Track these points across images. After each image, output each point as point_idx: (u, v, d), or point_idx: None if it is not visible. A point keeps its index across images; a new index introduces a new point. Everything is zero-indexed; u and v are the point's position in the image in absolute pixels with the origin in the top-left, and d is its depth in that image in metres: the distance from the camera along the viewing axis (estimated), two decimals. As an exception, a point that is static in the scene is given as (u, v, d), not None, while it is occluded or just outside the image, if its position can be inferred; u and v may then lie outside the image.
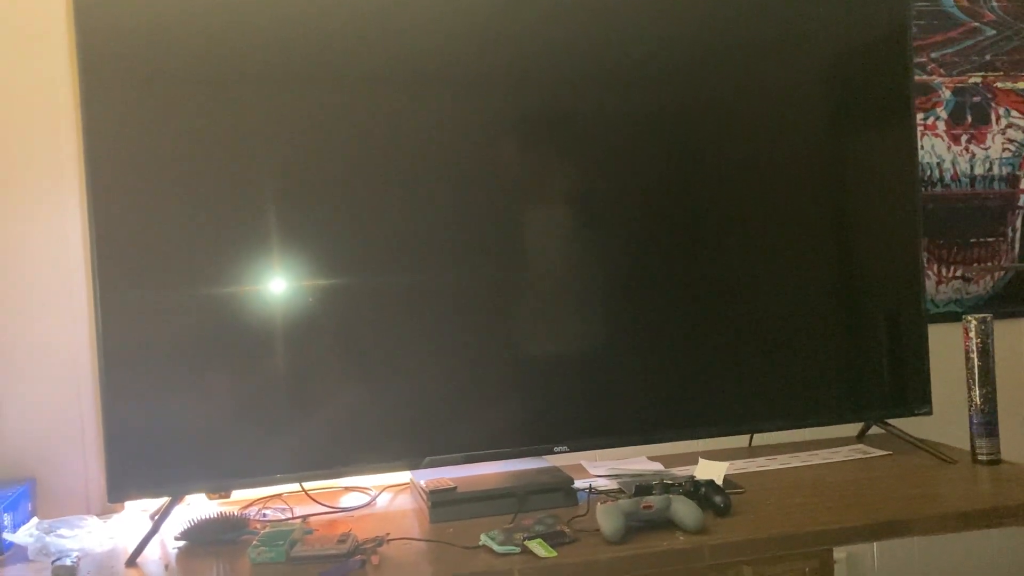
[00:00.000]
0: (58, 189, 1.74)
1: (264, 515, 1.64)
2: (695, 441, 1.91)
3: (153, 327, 1.53)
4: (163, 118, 1.54)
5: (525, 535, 1.37)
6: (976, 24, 2.21)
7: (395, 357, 1.62)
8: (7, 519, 1.53)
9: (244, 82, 1.57)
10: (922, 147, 2.16)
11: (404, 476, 1.79)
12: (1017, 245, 2.23)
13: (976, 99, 2.20)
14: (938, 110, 2.18)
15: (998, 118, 2.22)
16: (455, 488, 1.57)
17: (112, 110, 1.52)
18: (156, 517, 1.53)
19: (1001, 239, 2.22)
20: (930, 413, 1.85)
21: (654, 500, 1.42)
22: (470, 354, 1.66)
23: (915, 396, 1.85)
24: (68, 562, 1.38)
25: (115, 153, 1.52)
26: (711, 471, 1.63)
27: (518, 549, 1.34)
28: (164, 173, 1.54)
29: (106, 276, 1.51)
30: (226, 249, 1.56)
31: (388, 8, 1.64)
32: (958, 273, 2.19)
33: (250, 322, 1.56)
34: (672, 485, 1.53)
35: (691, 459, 1.78)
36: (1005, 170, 2.22)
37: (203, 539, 1.50)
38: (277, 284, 1.58)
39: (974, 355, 1.75)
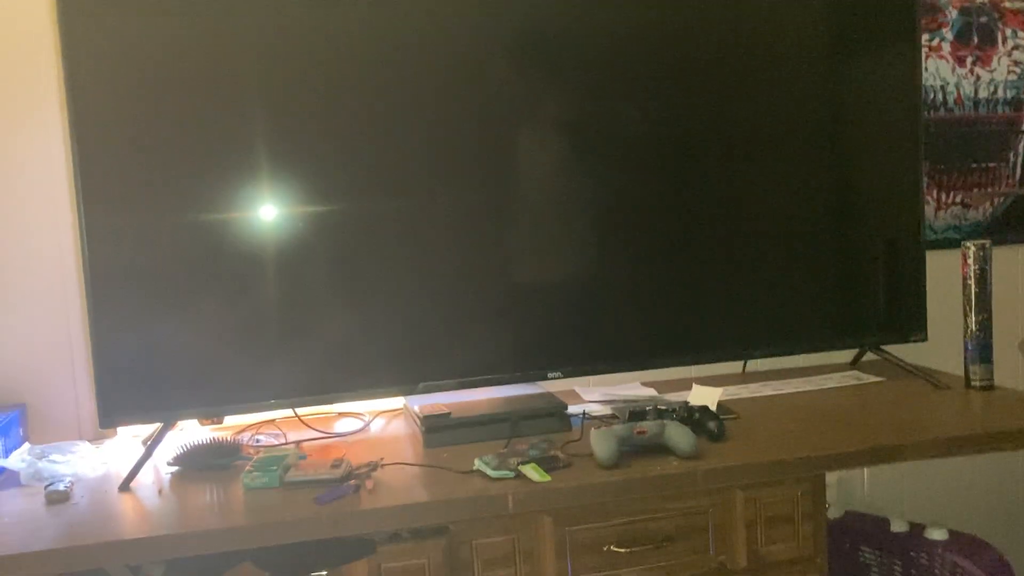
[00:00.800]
0: (40, 115, 1.68)
1: (257, 440, 1.63)
2: (689, 367, 1.91)
3: (141, 251, 1.50)
4: (147, 34, 1.48)
5: (519, 460, 1.37)
6: (986, -59, 2.13)
7: (388, 283, 1.60)
8: (-1, 444, 1.53)
9: (232, 3, 1.52)
10: (926, 69, 2.10)
11: (398, 402, 1.79)
12: (1019, 170, 2.19)
13: (983, 19, 2.14)
14: (944, 31, 2.12)
15: (1005, 39, 2.16)
16: (449, 414, 1.57)
17: (93, 25, 1.46)
18: (149, 443, 1.53)
19: (1003, 164, 2.18)
20: (925, 339, 1.85)
21: (648, 425, 1.42)
22: (464, 280, 1.64)
23: (911, 322, 1.84)
24: (61, 487, 1.38)
25: (97, 72, 1.47)
26: (705, 397, 1.63)
27: (512, 474, 1.34)
28: (149, 93, 1.49)
29: (91, 200, 1.47)
30: (214, 172, 1.52)
31: (377, -81, 1.57)
32: (958, 199, 2.16)
33: (241, 246, 1.54)
34: (666, 410, 1.53)
35: (685, 385, 1.78)
36: (1010, 93, 2.17)
37: (196, 464, 1.50)
38: (267, 209, 1.55)
39: (971, 281, 1.74)
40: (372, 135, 1.59)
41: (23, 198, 1.69)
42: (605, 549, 1.38)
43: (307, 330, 1.57)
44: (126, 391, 1.49)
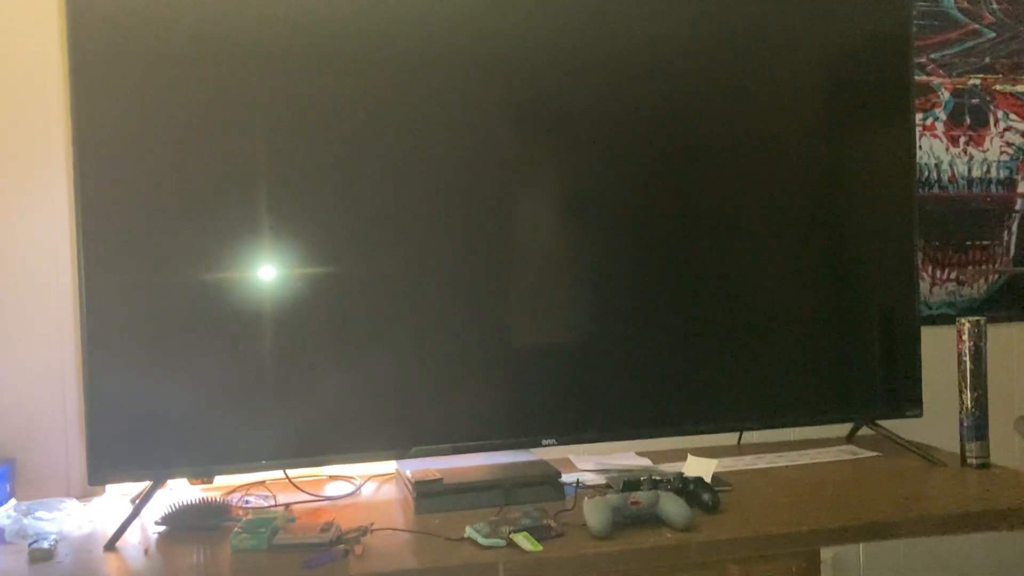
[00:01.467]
0: (46, 168, 1.71)
1: (247, 502, 1.62)
2: (684, 437, 1.90)
3: (138, 309, 1.50)
4: (153, 101, 1.51)
5: (511, 528, 1.35)
6: (976, 26, 2.19)
7: (383, 345, 1.60)
8: (-15, 500, 1.51)
9: (235, 65, 1.55)
10: (920, 148, 2.15)
11: (390, 466, 1.78)
12: (1013, 249, 2.22)
13: (975, 101, 2.19)
14: (937, 111, 2.17)
15: (996, 121, 2.21)
16: (441, 479, 1.55)
17: (101, 92, 1.49)
18: (137, 501, 1.51)
19: (997, 242, 2.21)
20: (921, 415, 1.84)
21: (642, 496, 1.41)
22: (459, 344, 1.64)
23: (906, 398, 1.84)
24: (45, 545, 1.36)
25: (103, 133, 1.49)
26: (700, 468, 1.62)
27: (503, 542, 1.32)
28: (152, 154, 1.51)
29: (91, 256, 1.48)
30: (213, 232, 1.54)
31: (385, -9, 1.61)
32: (952, 276, 2.18)
33: (236, 306, 1.54)
34: (660, 481, 1.52)
35: (680, 455, 1.77)
36: (1003, 173, 2.21)
37: (184, 525, 1.48)
38: (264, 269, 1.56)
39: (966, 358, 1.74)
40: (369, 198, 1.61)
41: (25, 254, 1.70)
42: (596, 622, 1.35)
43: (300, 391, 1.57)
44: (117, 448, 1.48)
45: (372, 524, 1.43)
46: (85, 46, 1.49)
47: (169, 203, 1.52)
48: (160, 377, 1.50)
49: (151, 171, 1.51)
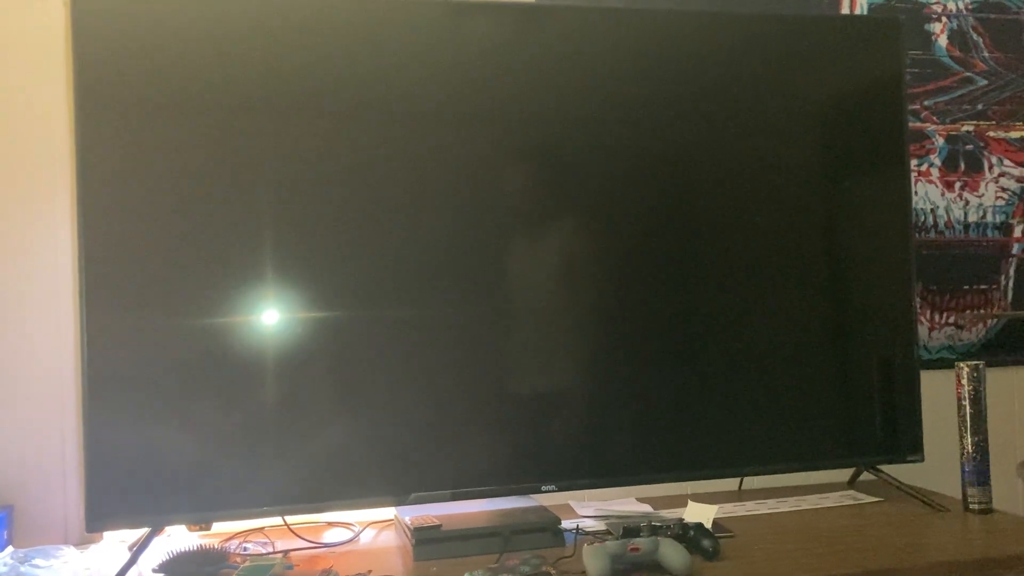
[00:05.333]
0: (48, 212, 1.73)
1: (245, 549, 1.61)
2: (684, 483, 1.89)
3: (139, 355, 1.51)
4: (157, 143, 1.54)
5: (510, 575, 1.34)
6: (968, 73, 2.23)
7: (382, 391, 1.61)
8: (-18, 547, 1.51)
9: (239, 110, 1.58)
10: (916, 193, 2.17)
11: (388, 512, 1.77)
12: (1010, 293, 2.23)
13: (969, 147, 2.22)
14: (931, 157, 2.20)
15: (991, 166, 2.23)
16: (440, 526, 1.55)
17: (106, 133, 1.52)
18: (134, 548, 1.51)
19: (994, 287, 2.22)
20: (922, 460, 1.84)
21: (642, 542, 1.40)
22: (458, 390, 1.65)
23: (907, 442, 1.84)
24: (42, 593, 1.35)
25: (107, 177, 1.51)
26: (700, 514, 1.61)
27: (502, 590, 1.31)
28: (156, 198, 1.53)
29: (93, 301, 1.49)
30: (215, 278, 1.55)
31: (388, 41, 1.65)
32: (951, 320, 2.19)
33: (237, 353, 1.55)
34: (660, 527, 1.51)
35: (680, 501, 1.76)
36: (998, 218, 2.23)
37: (182, 572, 1.46)
38: (264, 315, 1.57)
39: (966, 402, 1.74)
40: (368, 245, 1.62)
41: (26, 299, 1.72)
42: (596, 672, 1.34)
43: (299, 438, 1.57)
44: (116, 495, 1.48)
45: (370, 571, 1.42)
46: (90, 80, 1.51)
47: (171, 251, 1.53)
48: (159, 424, 1.51)
49: (154, 218, 1.53)
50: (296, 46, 1.60)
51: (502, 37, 1.70)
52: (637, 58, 1.76)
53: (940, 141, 2.20)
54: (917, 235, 2.16)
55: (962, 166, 2.21)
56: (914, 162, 2.16)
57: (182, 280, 1.54)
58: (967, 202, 2.21)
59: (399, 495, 1.60)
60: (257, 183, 1.58)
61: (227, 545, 1.59)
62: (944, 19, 2.22)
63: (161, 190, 1.54)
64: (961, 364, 1.75)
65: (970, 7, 2.23)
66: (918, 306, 2.11)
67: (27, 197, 1.72)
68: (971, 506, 1.72)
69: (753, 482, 1.95)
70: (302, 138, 1.60)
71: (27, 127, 1.73)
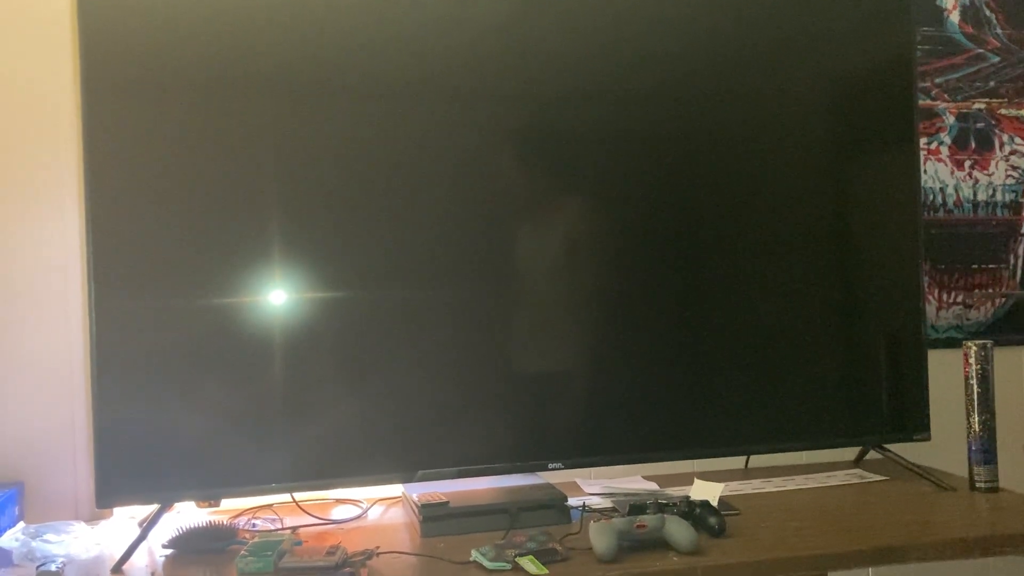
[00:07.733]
0: (57, 193, 1.73)
1: (253, 525, 1.62)
2: (691, 461, 1.89)
3: (147, 333, 1.52)
4: (163, 126, 1.53)
5: (516, 552, 1.35)
6: (980, 51, 2.21)
7: (390, 369, 1.61)
8: (-7, 522, 1.52)
9: (244, 93, 1.57)
10: (925, 172, 2.15)
11: (396, 489, 1.78)
12: (1019, 272, 2.22)
13: (980, 125, 2.20)
14: (942, 135, 2.18)
15: (1001, 145, 2.21)
16: (447, 503, 1.55)
17: (113, 116, 1.51)
18: (144, 524, 1.52)
19: (1003, 266, 2.21)
20: (928, 439, 1.84)
21: (648, 519, 1.41)
22: (465, 368, 1.65)
23: (914, 421, 1.84)
24: (53, 567, 1.37)
25: (114, 159, 1.51)
26: (706, 492, 1.62)
27: (509, 566, 1.32)
28: (163, 180, 1.53)
29: (101, 280, 1.50)
30: (223, 258, 1.55)
31: (389, 22, 1.64)
32: (959, 299, 2.18)
33: (245, 331, 1.55)
34: (667, 505, 1.51)
35: (686, 479, 1.76)
36: (1008, 197, 2.21)
37: (191, 547, 1.48)
38: (272, 295, 1.57)
39: (973, 382, 1.73)
40: (376, 224, 1.62)
41: (35, 277, 1.72)
42: (602, 647, 1.35)
43: (307, 416, 1.57)
44: (125, 472, 1.49)
45: (378, 547, 1.43)
46: (96, 64, 1.51)
47: (179, 228, 1.54)
48: (168, 400, 1.52)
49: (162, 196, 1.53)
50: (302, 27, 1.59)
51: (506, 16, 1.69)
52: (642, 36, 1.75)
53: (951, 119, 2.18)
54: (926, 214, 2.15)
55: (972, 144, 2.19)
56: (924, 140, 2.15)
57: (189, 260, 1.54)
58: (977, 181, 2.19)
59: (406, 472, 1.61)
60: (264, 165, 1.58)
61: (236, 521, 1.60)
62: (956, -5, 2.20)
63: (168, 172, 1.54)
64: (969, 343, 1.74)
65: (982, -17, 2.21)
66: (926, 285, 2.10)
67: (35, 179, 1.73)
68: (977, 485, 1.72)
69: (759, 460, 1.95)
70: (309, 120, 1.60)
71: (35, 110, 1.73)
